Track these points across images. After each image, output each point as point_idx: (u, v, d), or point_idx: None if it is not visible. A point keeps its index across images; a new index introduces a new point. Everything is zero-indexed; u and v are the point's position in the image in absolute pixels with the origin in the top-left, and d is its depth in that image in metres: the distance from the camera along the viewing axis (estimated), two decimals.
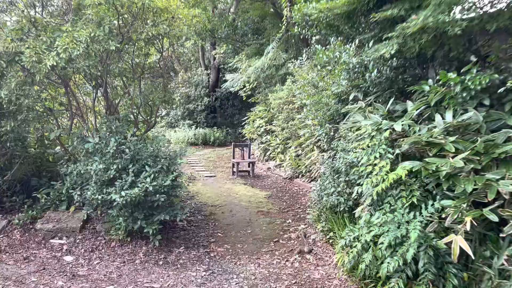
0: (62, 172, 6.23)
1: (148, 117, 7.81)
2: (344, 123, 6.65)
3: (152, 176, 5.59)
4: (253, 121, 14.45)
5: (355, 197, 5.64)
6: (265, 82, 15.37)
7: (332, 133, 7.47)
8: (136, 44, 6.56)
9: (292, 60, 10.93)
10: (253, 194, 9.19)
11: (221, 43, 21.78)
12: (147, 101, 7.45)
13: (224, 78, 19.55)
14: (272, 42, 13.68)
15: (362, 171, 5.11)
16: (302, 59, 10.24)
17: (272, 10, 16.67)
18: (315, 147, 8.54)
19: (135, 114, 7.38)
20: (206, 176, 11.24)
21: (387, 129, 5.17)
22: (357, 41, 6.16)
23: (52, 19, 5.74)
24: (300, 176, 10.12)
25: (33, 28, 5.42)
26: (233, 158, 11.58)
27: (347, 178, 5.87)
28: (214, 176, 11.37)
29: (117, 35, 5.92)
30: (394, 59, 6.45)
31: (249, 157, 11.77)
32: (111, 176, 5.54)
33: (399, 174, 4.49)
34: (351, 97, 6.81)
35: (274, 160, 12.49)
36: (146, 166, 5.74)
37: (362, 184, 5.07)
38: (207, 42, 22.74)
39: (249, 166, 11.60)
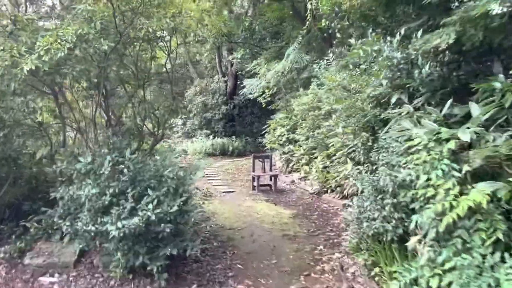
0: (53, 197, 5.32)
1: (156, 129, 6.87)
2: (386, 132, 5.52)
3: (156, 201, 4.61)
4: (273, 130, 13.40)
5: (409, 225, 4.51)
6: (285, 87, 14.35)
7: (369, 143, 6.34)
8: (137, 44, 5.64)
9: (317, 61, 9.85)
10: (277, 213, 8.11)
11: (238, 48, 20.95)
12: (153, 110, 6.51)
13: (242, 85, 18.64)
14: (292, 44, 12.66)
15: (418, 194, 3.99)
16: (329, 59, 9.16)
17: (291, 12, 15.69)
18: (348, 159, 7.42)
19: (139, 126, 6.46)
20: (224, 192, 10.24)
21: (450, 138, 4.03)
22: (402, 31, 5.03)
23: (36, 15, 4.87)
24: (329, 191, 8.99)
25: (13, 27, 4.57)
26: (253, 171, 10.54)
27: (395, 200, 4.73)
28: (232, 191, 10.35)
29: (114, 33, 5.02)
30: (447, 52, 5.28)
31: (270, 170, 10.71)
32: (107, 202, 4.59)
33: (477, 200, 3.35)
34: (393, 100, 5.69)
35: (298, 172, 11.39)
36: (148, 189, 4.76)
37: (420, 210, 3.95)
38: (223, 48, 21.97)
39: (271, 180, 10.54)
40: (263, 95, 14.59)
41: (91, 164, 4.70)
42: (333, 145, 8.18)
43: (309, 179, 10.34)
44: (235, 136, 20.49)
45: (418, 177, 4.05)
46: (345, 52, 10.06)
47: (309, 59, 11.45)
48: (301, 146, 11.17)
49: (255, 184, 10.31)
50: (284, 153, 12.32)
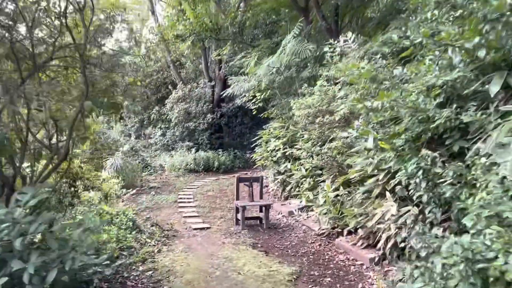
0: None
1: (56, 140, 3.97)
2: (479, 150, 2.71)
3: None
4: (266, 143, 10.57)
5: None
6: (281, 90, 11.60)
7: (435, 169, 3.54)
8: None
9: (332, 44, 7.02)
10: (268, 272, 5.21)
11: (226, 45, 18.29)
12: (42, 103, 3.65)
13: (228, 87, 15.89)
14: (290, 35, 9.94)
15: None
16: (348, 41, 6.40)
17: None
18: (387, 192, 4.59)
19: (23, 135, 3.59)
20: (195, 229, 7.32)
21: None
22: None
23: None
24: (345, 232, 6.14)
25: None
26: (237, 198, 7.67)
27: None
28: (207, 228, 7.44)
29: None
30: None
31: (260, 197, 7.85)
32: None
33: None
34: (493, 89, 2.90)
35: (298, 198, 8.54)
36: None
37: None
38: (211, 48, 19.23)
39: (261, 211, 7.66)
40: (254, 100, 11.80)
41: None
42: (362, 168, 5.32)
43: (313, 211, 7.49)
44: (222, 149, 17.61)
45: None
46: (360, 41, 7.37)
47: (313, 49, 8.67)
48: (302, 165, 8.35)
49: (239, 217, 7.42)
50: (279, 173, 9.47)
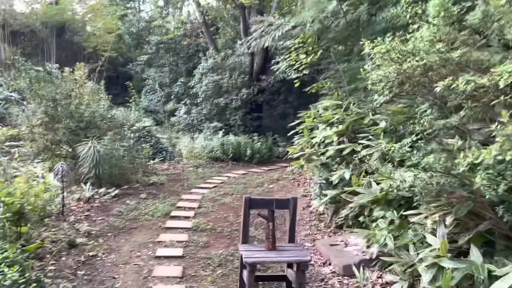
0: None
1: None
2: None
3: None
4: (310, 130, 6.66)
5: None
6: (337, 53, 7.65)
7: None
8: None
9: None
10: None
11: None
12: None
13: (274, 61, 12.04)
14: None
15: None
16: None
17: None
18: None
19: None
20: None
21: None
22: None
23: None
24: None
25: None
26: (243, 241, 3.97)
27: None
28: None
29: None
30: None
31: (291, 238, 4.06)
32: None
33: None
34: None
35: (366, 238, 4.66)
36: None
37: None
38: (250, 7, 15.38)
39: (290, 266, 3.92)
40: (296, 65, 7.89)
41: None
42: None
43: (396, 275, 3.64)
44: (258, 134, 13.91)
45: None
46: None
47: None
48: (373, 178, 4.44)
49: (245, 278, 3.74)
50: (330, 183, 5.60)
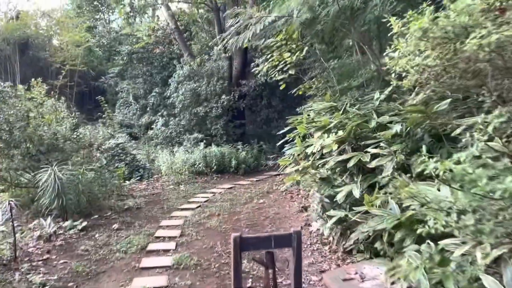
0: None
1: None
2: None
3: None
4: (302, 138, 5.78)
5: None
6: (323, 51, 6.87)
7: None
8: None
9: None
10: None
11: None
12: None
13: (254, 64, 11.19)
14: None
15: None
16: None
17: None
18: None
19: None
20: None
21: None
22: None
23: None
24: None
25: None
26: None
27: None
28: None
29: None
30: None
31: (298, 283, 3.17)
32: None
33: None
34: None
35: (378, 262, 3.81)
36: None
37: None
38: (224, 7, 14.52)
39: None
40: (280, 66, 7.04)
41: None
42: None
43: None
44: (242, 142, 13.01)
45: None
46: None
47: None
48: (390, 194, 3.59)
49: None
50: (331, 199, 4.73)
